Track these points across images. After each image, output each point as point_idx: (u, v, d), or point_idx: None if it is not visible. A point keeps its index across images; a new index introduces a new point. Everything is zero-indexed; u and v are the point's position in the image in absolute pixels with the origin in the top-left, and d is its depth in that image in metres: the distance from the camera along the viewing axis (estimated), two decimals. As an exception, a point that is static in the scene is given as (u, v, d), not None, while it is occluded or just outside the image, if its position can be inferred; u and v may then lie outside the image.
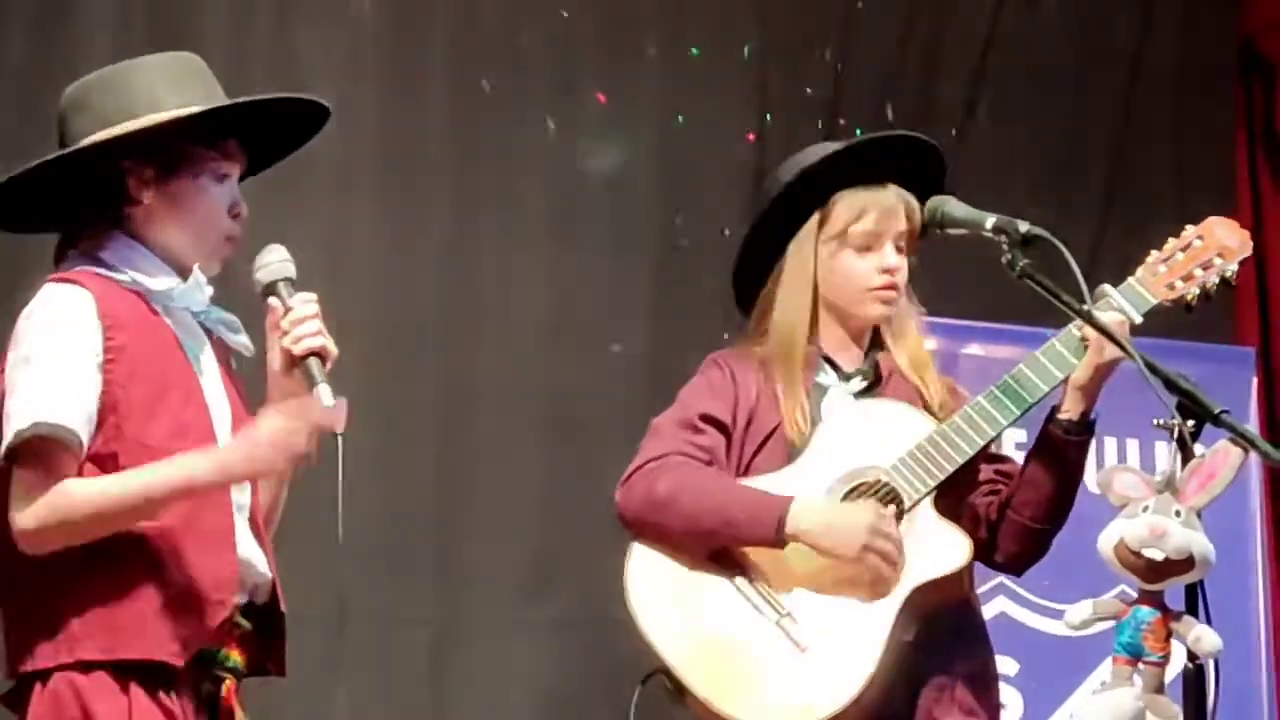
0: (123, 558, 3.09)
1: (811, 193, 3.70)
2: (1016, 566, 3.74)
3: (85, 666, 3.06)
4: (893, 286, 3.68)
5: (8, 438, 3.09)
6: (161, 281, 3.22)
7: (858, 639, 3.48)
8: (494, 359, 5.54)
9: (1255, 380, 5.94)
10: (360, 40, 5.50)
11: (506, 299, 5.58)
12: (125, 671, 3.06)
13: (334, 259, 5.13)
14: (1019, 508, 3.61)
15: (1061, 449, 3.59)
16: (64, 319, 3.12)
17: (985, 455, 3.68)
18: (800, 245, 3.70)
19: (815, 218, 3.69)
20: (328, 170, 5.31)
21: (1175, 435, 3.36)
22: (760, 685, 3.47)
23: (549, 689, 5.46)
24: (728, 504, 3.55)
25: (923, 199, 3.68)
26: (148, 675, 3.07)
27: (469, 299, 5.55)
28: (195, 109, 3.22)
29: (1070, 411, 3.59)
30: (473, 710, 5.40)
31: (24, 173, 3.22)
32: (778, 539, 3.52)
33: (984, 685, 3.66)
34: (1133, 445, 5.66)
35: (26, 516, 3.07)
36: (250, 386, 3.36)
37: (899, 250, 3.68)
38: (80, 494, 3.07)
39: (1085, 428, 3.60)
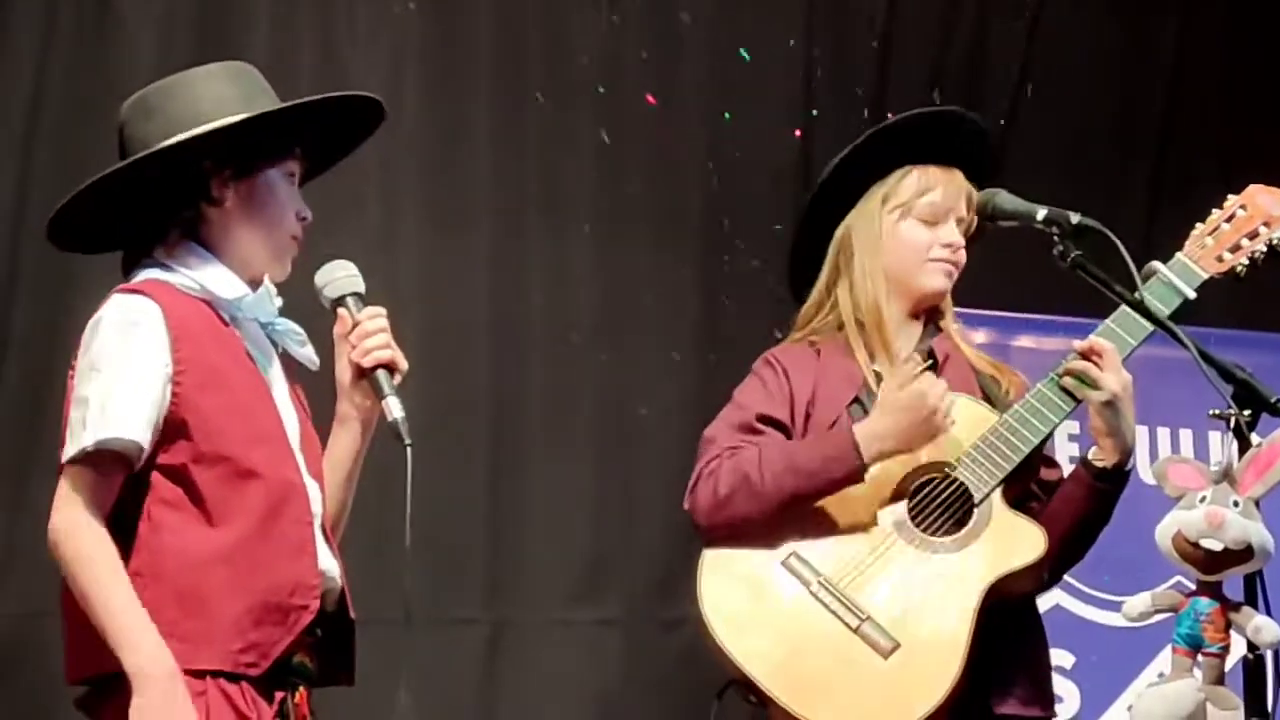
0: (201, 566, 3.09)
1: (872, 168, 3.71)
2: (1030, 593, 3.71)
3: None
4: (953, 262, 3.69)
5: (71, 449, 3.10)
6: (231, 290, 3.24)
7: (941, 637, 3.44)
8: (543, 361, 5.54)
9: (1310, 368, 5.89)
10: (405, 44, 5.51)
11: (555, 301, 5.58)
12: (201, 676, 3.06)
13: (382, 264, 5.14)
14: None
15: (1088, 493, 3.57)
16: (132, 329, 3.13)
17: (1040, 456, 3.67)
18: (867, 215, 3.71)
19: (879, 190, 3.69)
20: (375, 174, 5.32)
21: (1231, 425, 3.34)
22: (848, 692, 3.43)
23: (600, 689, 5.47)
24: (797, 461, 3.51)
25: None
26: (225, 680, 3.07)
27: (517, 302, 5.55)
28: (276, 107, 3.26)
29: (1104, 459, 3.56)
30: (524, 709, 5.41)
31: (106, 177, 3.23)
32: (861, 467, 3.49)
33: (1038, 673, 3.64)
34: (1186, 435, 5.63)
35: (62, 522, 3.08)
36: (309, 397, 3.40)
37: (961, 223, 3.70)
38: (87, 556, 3.06)
39: (1116, 477, 3.56)
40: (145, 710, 3.00)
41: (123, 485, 3.11)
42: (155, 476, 3.12)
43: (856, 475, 3.50)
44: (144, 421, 3.10)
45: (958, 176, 3.70)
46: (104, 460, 3.09)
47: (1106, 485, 3.55)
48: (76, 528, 3.07)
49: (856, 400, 3.65)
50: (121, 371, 3.11)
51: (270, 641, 3.10)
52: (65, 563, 3.08)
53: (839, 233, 3.74)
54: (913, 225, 3.69)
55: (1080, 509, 3.58)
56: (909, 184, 3.70)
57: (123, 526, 3.10)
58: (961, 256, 3.71)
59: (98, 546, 3.06)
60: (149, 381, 3.11)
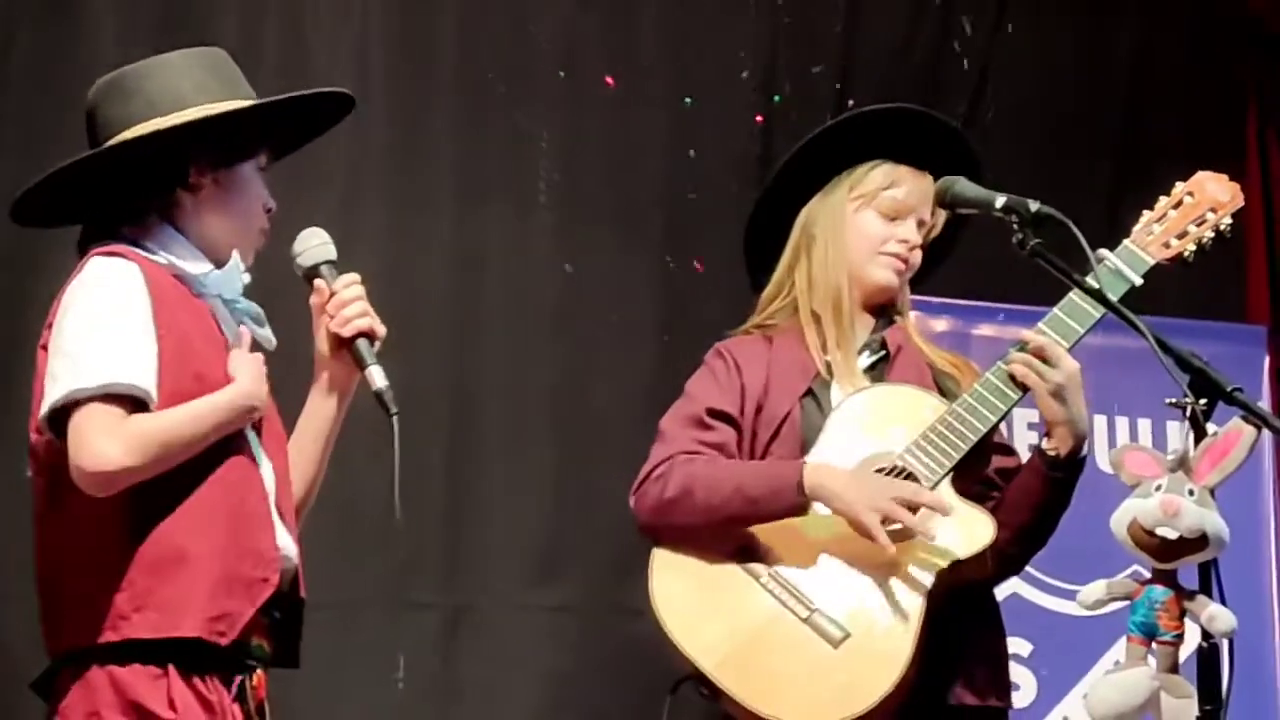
0: (173, 536, 3.08)
1: (840, 156, 3.71)
2: (986, 581, 3.71)
3: (120, 653, 3.05)
4: (905, 260, 3.68)
5: (63, 392, 3.05)
6: (197, 266, 3.23)
7: (890, 627, 3.44)
8: (502, 347, 5.53)
9: (1267, 359, 5.92)
10: (369, 29, 5.49)
11: (514, 288, 5.57)
12: (161, 659, 3.05)
13: (341, 251, 5.11)
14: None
15: (1044, 482, 3.57)
16: (119, 289, 3.12)
17: (995, 445, 3.67)
18: (832, 203, 3.71)
19: (846, 179, 3.69)
20: (335, 162, 5.31)
21: (1188, 413, 3.34)
22: (798, 682, 3.43)
23: (557, 674, 5.46)
24: (743, 485, 3.52)
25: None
26: (185, 663, 3.06)
27: (476, 288, 5.54)
28: (254, 100, 3.27)
29: (1056, 447, 3.56)
30: (481, 694, 5.40)
31: (89, 158, 3.22)
32: (800, 501, 3.48)
33: (995, 664, 3.64)
34: (1144, 425, 5.66)
35: (111, 452, 3.02)
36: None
37: (921, 224, 3.69)
38: (151, 427, 3.05)
39: (1070, 465, 3.55)
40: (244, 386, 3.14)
41: None
42: None
43: (797, 512, 3.51)
44: (153, 378, 3.09)
45: (927, 180, 3.68)
46: (121, 403, 3.06)
47: (1060, 474, 3.55)
48: (119, 438, 3.03)
49: (810, 393, 3.65)
50: (117, 327, 3.09)
51: (237, 612, 3.10)
52: (140, 465, 3.04)
53: (801, 219, 3.74)
54: (871, 216, 3.69)
55: (1037, 498, 3.58)
56: (876, 176, 3.70)
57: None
58: (916, 257, 3.70)
59: (142, 423, 3.05)
60: (145, 338, 3.10)
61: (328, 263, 3.33)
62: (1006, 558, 3.61)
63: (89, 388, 3.04)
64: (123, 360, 3.07)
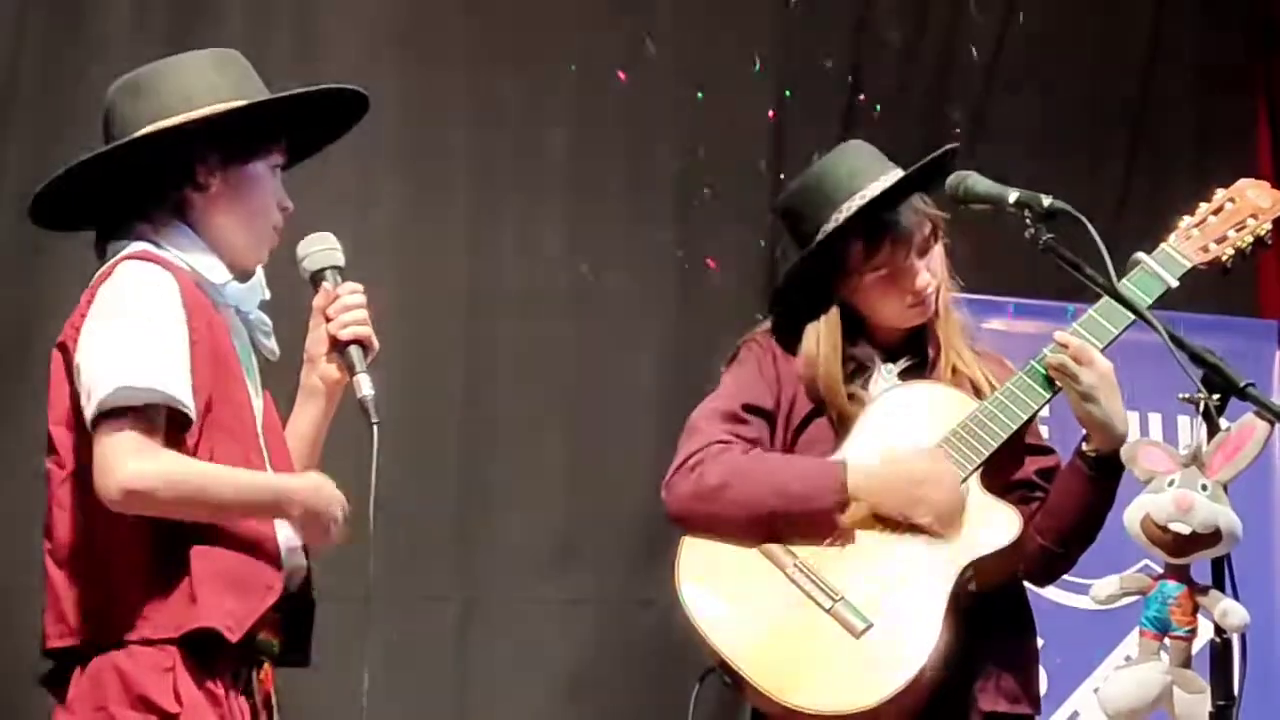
0: (182, 539, 3.08)
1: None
2: (1036, 581, 3.75)
3: (129, 647, 3.05)
4: (924, 299, 3.68)
5: (108, 391, 3.04)
6: (218, 276, 3.25)
7: (913, 620, 3.46)
8: (516, 335, 5.53)
9: (1278, 354, 5.92)
10: (381, 16, 5.49)
11: (529, 276, 5.57)
12: (169, 653, 3.05)
13: (356, 235, 5.10)
14: (1041, 530, 3.61)
15: (1086, 483, 3.59)
16: (155, 296, 3.12)
17: (1029, 446, 3.68)
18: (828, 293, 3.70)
19: (849, 266, 3.67)
20: (350, 143, 5.29)
21: (1201, 409, 3.34)
22: (817, 671, 3.45)
23: (570, 667, 5.46)
24: (784, 481, 3.53)
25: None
26: (192, 657, 3.07)
27: (491, 275, 5.54)
28: (268, 98, 3.26)
29: (1097, 449, 3.58)
30: (494, 687, 5.40)
31: (96, 157, 3.22)
32: (841, 502, 3.51)
33: (1026, 669, 3.67)
34: (1155, 420, 5.64)
35: (134, 476, 3.02)
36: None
37: (924, 255, 3.66)
38: (194, 471, 3.08)
39: (1111, 468, 3.56)
40: (311, 503, 3.15)
41: None
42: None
43: (837, 510, 3.52)
44: (191, 395, 3.10)
45: (903, 212, 3.64)
46: (158, 419, 3.08)
47: (1101, 474, 3.58)
48: (147, 476, 3.04)
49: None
50: (158, 334, 3.10)
51: (246, 610, 3.10)
52: (175, 503, 3.06)
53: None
54: (882, 284, 3.66)
55: (1082, 498, 3.60)
56: (867, 253, 3.65)
57: None
58: (934, 285, 3.68)
59: (190, 467, 3.08)
60: (182, 348, 3.12)
61: (334, 268, 3.37)
62: (1055, 558, 3.64)
63: (138, 387, 3.04)
64: (171, 372, 3.08)
